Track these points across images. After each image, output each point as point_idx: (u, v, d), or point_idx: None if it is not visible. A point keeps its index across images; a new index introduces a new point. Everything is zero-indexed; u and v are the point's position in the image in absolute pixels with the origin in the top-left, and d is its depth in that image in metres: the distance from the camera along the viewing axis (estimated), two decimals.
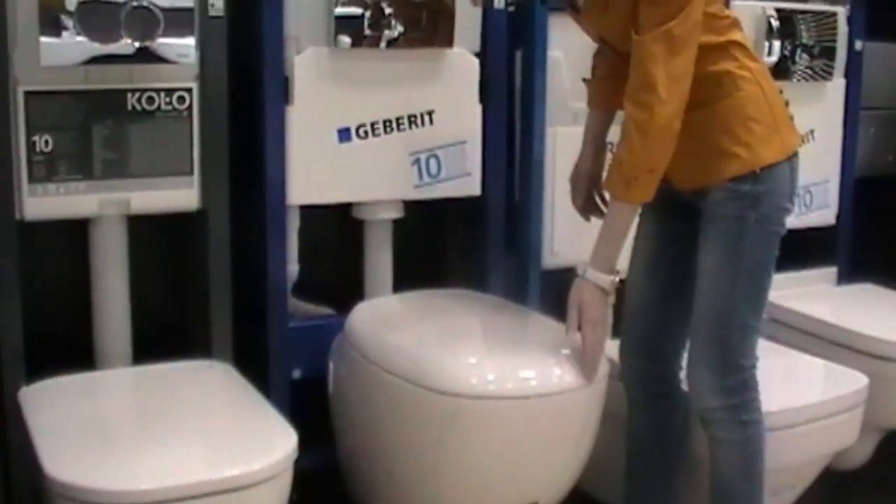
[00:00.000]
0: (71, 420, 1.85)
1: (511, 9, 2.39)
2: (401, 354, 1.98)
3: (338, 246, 2.56)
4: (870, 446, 2.57)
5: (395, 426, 2.00)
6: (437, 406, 1.88)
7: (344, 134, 2.26)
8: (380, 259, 2.42)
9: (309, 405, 2.17)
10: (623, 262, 1.97)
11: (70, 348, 2.13)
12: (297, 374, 2.29)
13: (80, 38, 1.95)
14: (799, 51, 2.71)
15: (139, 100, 2.05)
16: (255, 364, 2.19)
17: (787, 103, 1.98)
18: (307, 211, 2.31)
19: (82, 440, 1.78)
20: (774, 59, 2.66)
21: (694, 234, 1.93)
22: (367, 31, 2.22)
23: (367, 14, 2.21)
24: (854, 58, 2.85)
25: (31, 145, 1.98)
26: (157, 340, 2.19)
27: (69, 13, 1.93)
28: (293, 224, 2.29)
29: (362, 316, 2.17)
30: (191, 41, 2.04)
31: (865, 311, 2.74)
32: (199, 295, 2.21)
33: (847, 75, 2.86)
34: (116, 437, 1.88)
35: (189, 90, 2.09)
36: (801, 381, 2.35)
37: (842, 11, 2.81)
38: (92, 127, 2.03)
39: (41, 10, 1.92)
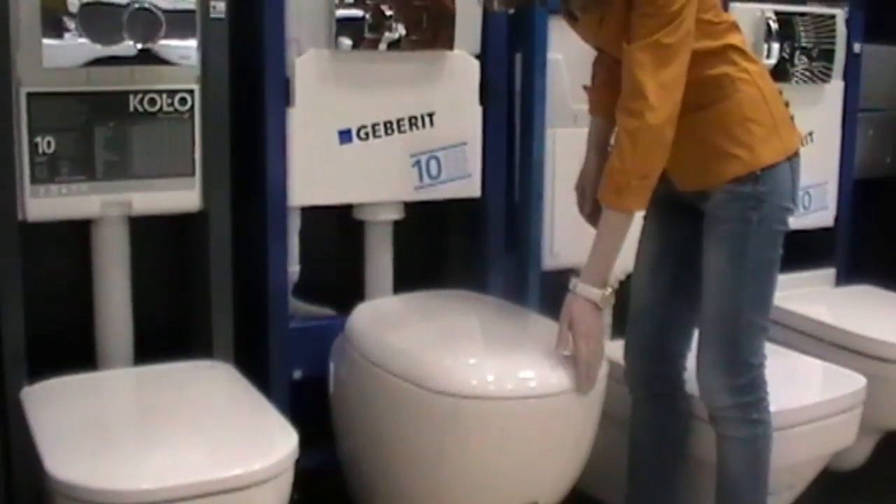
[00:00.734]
0: (73, 420, 1.86)
1: (511, 11, 2.40)
2: (401, 355, 1.98)
3: (338, 247, 2.57)
4: (868, 447, 2.58)
5: (395, 426, 2.01)
6: (437, 406, 1.88)
7: (345, 135, 2.27)
8: (380, 260, 2.43)
9: (309, 405, 2.18)
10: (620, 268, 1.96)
11: (72, 348, 2.13)
12: (297, 374, 2.30)
13: (83, 40, 1.95)
14: (798, 53, 2.72)
15: (141, 101, 2.06)
16: (255, 364, 2.19)
17: (787, 104, 1.99)
18: (308, 212, 2.32)
19: (84, 440, 1.78)
20: (773, 61, 2.67)
21: (697, 234, 1.94)
22: (368, 34, 2.22)
23: (368, 16, 2.22)
24: (852, 60, 2.86)
25: (33, 146, 1.99)
26: (159, 341, 2.19)
27: (71, 15, 1.94)
28: (294, 225, 2.30)
29: (363, 317, 2.18)
30: (192, 43, 2.05)
31: (864, 313, 2.74)
32: (201, 295, 2.22)
33: (845, 77, 2.87)
34: (118, 436, 1.88)
35: (191, 92, 2.09)
36: (800, 381, 2.35)
37: (840, 14, 2.81)
38: (94, 128, 2.03)
39: (43, 11, 1.93)
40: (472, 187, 2.41)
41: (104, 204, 2.07)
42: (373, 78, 2.28)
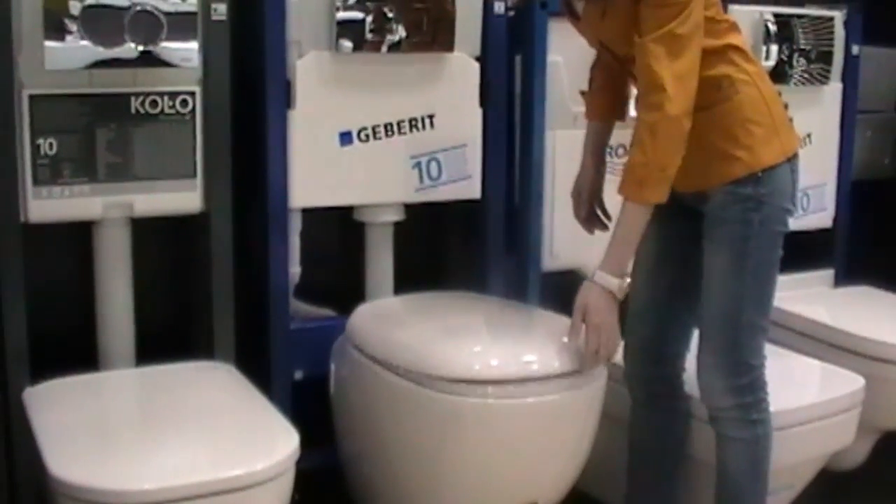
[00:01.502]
0: (75, 420, 1.86)
1: (511, 13, 2.41)
2: (402, 351, 1.99)
3: (339, 248, 2.57)
4: (866, 447, 2.59)
5: (395, 426, 2.02)
6: (437, 406, 1.89)
7: (345, 137, 2.28)
8: (381, 261, 2.44)
9: (310, 406, 2.18)
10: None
11: (74, 349, 2.14)
12: (298, 374, 2.30)
13: (84, 42, 1.96)
14: (796, 55, 2.72)
15: (143, 103, 2.07)
16: (257, 365, 2.20)
17: (786, 106, 1.99)
18: (309, 214, 2.32)
19: (86, 440, 1.79)
20: (772, 63, 2.67)
21: (696, 236, 1.95)
22: (369, 36, 2.23)
23: (369, 18, 2.22)
24: (851, 62, 2.86)
25: (35, 148, 2.00)
26: (161, 341, 2.20)
27: (73, 17, 1.95)
28: (295, 227, 2.31)
29: (363, 317, 2.19)
30: (194, 45, 2.06)
31: (862, 313, 2.75)
32: (202, 296, 2.22)
33: (844, 79, 2.87)
34: (120, 437, 1.89)
35: (192, 94, 2.10)
36: (799, 382, 2.36)
37: (839, 16, 2.82)
38: (96, 130, 2.04)
39: (46, 14, 1.94)
40: (472, 189, 2.42)
41: (106, 205, 2.08)
42: (373, 80, 2.28)
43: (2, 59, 1.94)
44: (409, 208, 2.43)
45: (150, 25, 2.00)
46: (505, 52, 2.41)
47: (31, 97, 1.98)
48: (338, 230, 2.53)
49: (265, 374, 2.23)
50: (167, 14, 2.02)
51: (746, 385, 1.93)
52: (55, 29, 1.94)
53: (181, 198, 2.13)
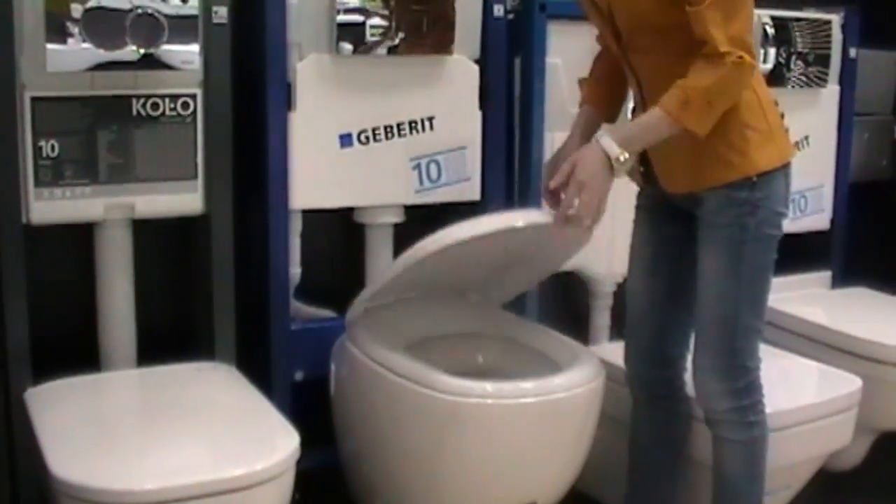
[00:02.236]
0: (76, 420, 1.88)
1: (510, 16, 2.42)
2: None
3: (339, 250, 2.58)
4: (863, 447, 2.60)
5: (395, 427, 2.02)
6: (436, 406, 1.90)
7: (346, 139, 2.28)
8: (380, 262, 2.44)
9: (310, 406, 2.19)
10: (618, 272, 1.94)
11: (75, 350, 2.15)
12: (298, 375, 2.31)
13: (86, 45, 1.97)
14: (794, 58, 2.73)
15: (144, 105, 2.07)
16: (257, 366, 2.21)
17: (782, 115, 2.00)
18: (309, 215, 2.33)
19: (88, 440, 1.80)
20: (770, 66, 2.68)
21: (690, 238, 1.95)
22: (369, 38, 2.24)
23: (369, 21, 2.23)
24: (848, 65, 2.87)
25: (37, 150, 2.00)
26: (162, 342, 2.20)
27: (75, 20, 1.95)
28: (295, 228, 2.31)
29: (363, 318, 2.19)
30: (195, 48, 2.06)
31: (859, 315, 2.76)
32: (203, 297, 2.23)
33: (841, 82, 2.88)
34: (121, 437, 1.90)
35: (193, 96, 2.11)
36: (796, 383, 2.37)
37: (836, 19, 2.82)
38: (97, 132, 2.05)
39: (47, 17, 1.94)
40: (471, 190, 2.43)
41: (107, 207, 2.09)
42: (373, 82, 2.29)
43: (4, 61, 1.95)
44: (409, 210, 2.43)
45: (151, 28, 2.01)
46: (504, 54, 2.42)
47: (33, 99, 1.99)
48: (338, 232, 2.54)
49: (265, 374, 2.24)
50: (168, 17, 2.02)
51: (743, 388, 1.94)
52: (57, 31, 1.95)
53: (182, 199, 2.14)
